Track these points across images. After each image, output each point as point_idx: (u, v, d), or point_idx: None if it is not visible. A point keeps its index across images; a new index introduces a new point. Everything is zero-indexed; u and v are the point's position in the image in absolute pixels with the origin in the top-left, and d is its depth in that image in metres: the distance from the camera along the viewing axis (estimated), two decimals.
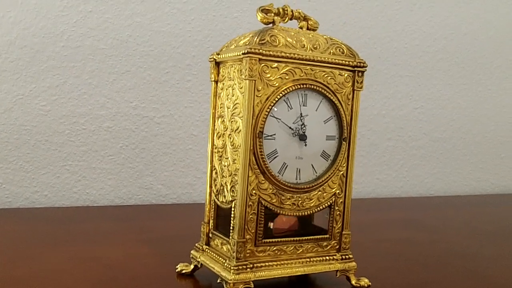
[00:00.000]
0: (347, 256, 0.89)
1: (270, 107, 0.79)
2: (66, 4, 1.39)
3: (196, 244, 0.91)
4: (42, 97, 1.39)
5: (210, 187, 0.89)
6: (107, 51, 1.45)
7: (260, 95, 0.78)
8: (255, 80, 0.78)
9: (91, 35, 1.43)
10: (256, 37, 0.78)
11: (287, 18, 0.87)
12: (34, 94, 1.38)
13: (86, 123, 1.45)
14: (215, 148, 0.87)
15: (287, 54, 0.79)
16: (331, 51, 0.84)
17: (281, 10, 0.86)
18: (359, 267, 0.90)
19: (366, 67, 0.87)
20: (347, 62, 0.85)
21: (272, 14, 0.85)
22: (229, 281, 0.78)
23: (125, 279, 0.88)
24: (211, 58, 0.87)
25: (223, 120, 0.85)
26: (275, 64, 0.79)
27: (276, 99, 0.79)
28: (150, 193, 1.55)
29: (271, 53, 0.78)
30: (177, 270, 0.91)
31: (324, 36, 0.85)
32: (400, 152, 1.93)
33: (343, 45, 0.86)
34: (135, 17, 1.47)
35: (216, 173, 0.87)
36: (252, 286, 0.79)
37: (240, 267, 0.79)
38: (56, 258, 0.97)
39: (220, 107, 0.86)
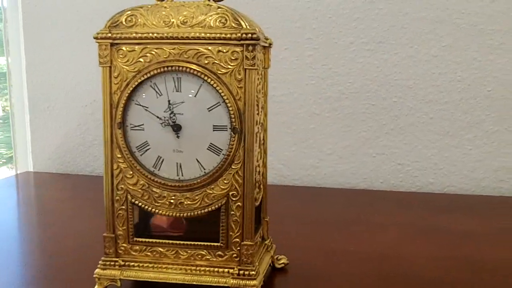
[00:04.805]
0: (246, 273, 0.73)
1: (128, 94, 0.72)
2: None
3: None
4: None
5: None
6: None
7: (117, 82, 0.72)
8: (109, 67, 0.72)
9: None
10: (110, 20, 0.72)
11: None
12: None
13: None
14: None
15: (141, 35, 0.70)
16: (208, 24, 0.69)
17: None
18: None
19: (256, 39, 0.68)
20: (227, 36, 0.68)
21: None
22: (94, 275, 0.76)
23: None
24: None
25: None
26: (135, 47, 0.71)
27: (135, 84, 0.71)
28: (271, 173, 1.52)
29: (122, 35, 0.70)
30: None
31: (212, 5, 0.71)
32: None
33: (228, 14, 0.69)
34: None
35: None
36: (119, 285, 0.75)
37: (107, 263, 0.76)
38: None
39: None
